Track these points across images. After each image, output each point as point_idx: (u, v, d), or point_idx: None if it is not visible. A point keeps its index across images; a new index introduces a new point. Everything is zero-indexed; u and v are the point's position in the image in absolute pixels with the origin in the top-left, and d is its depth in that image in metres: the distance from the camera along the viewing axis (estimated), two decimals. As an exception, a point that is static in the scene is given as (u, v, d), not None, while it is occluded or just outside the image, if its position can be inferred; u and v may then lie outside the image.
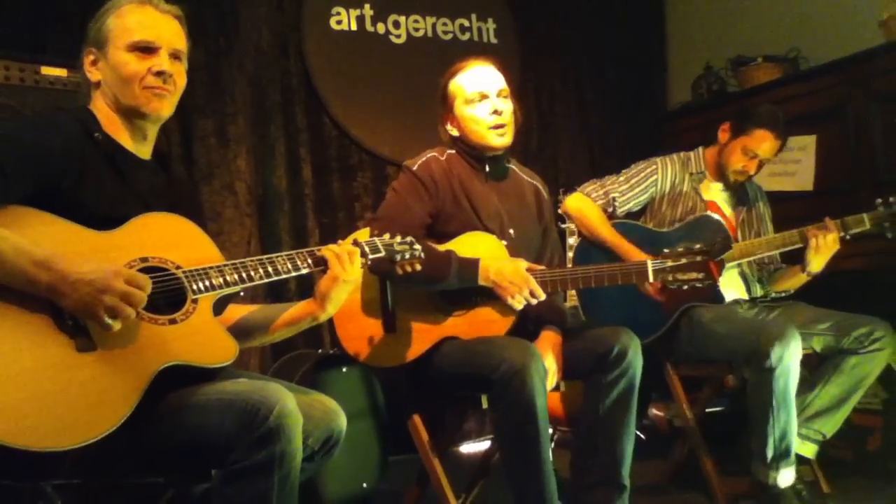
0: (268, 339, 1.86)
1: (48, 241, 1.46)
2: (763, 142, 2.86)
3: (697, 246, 2.25)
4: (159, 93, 1.70)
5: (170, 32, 1.73)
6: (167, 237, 1.64)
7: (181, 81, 1.76)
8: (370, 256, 1.85)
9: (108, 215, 1.59)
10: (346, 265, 1.76)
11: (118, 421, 1.39)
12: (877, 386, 3.02)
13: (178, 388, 1.53)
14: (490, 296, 2.28)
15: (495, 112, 2.38)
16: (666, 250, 2.29)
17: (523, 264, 2.26)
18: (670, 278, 2.23)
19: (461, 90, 2.42)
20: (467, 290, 2.29)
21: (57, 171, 1.55)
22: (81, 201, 1.57)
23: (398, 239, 1.94)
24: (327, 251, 1.76)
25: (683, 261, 2.22)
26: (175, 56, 1.73)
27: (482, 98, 2.39)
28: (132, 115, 1.72)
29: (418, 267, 1.95)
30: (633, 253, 2.78)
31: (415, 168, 2.40)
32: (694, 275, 2.21)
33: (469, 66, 2.44)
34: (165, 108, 1.73)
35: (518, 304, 2.23)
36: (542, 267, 2.34)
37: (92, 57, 1.72)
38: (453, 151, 2.48)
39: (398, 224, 2.22)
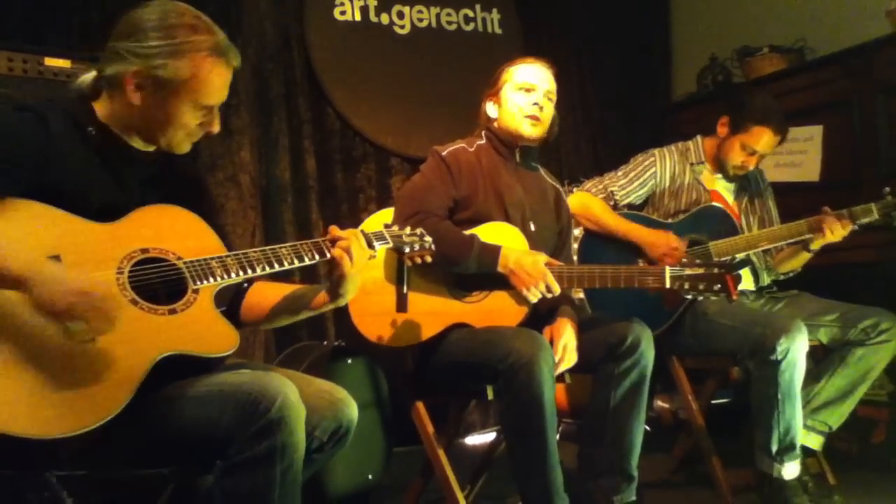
0: (289, 322, 1.85)
1: (48, 233, 1.47)
2: (761, 138, 2.83)
3: (716, 259, 2.29)
4: (194, 140, 1.71)
5: (226, 91, 1.69)
6: (167, 228, 1.64)
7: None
8: (376, 246, 1.82)
9: (101, 208, 1.57)
10: (355, 257, 1.71)
11: (116, 409, 1.39)
12: (883, 378, 3.02)
13: (180, 379, 1.53)
14: (506, 285, 2.28)
15: (535, 104, 2.45)
16: (685, 259, 2.31)
17: (542, 258, 2.27)
18: (686, 286, 2.24)
19: (514, 77, 2.50)
20: (484, 277, 2.29)
21: (43, 163, 1.52)
22: (72, 193, 1.54)
23: (407, 230, 1.92)
24: (336, 250, 1.71)
25: (701, 271, 2.24)
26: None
27: (529, 89, 2.47)
28: (150, 139, 1.68)
29: (428, 259, 1.95)
30: (641, 231, 2.78)
31: (444, 153, 2.44)
32: (710, 286, 2.22)
33: (529, 62, 2.53)
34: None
35: (533, 296, 2.24)
36: (561, 263, 2.33)
37: (138, 81, 1.59)
38: (483, 142, 2.53)
39: (418, 202, 2.28)
